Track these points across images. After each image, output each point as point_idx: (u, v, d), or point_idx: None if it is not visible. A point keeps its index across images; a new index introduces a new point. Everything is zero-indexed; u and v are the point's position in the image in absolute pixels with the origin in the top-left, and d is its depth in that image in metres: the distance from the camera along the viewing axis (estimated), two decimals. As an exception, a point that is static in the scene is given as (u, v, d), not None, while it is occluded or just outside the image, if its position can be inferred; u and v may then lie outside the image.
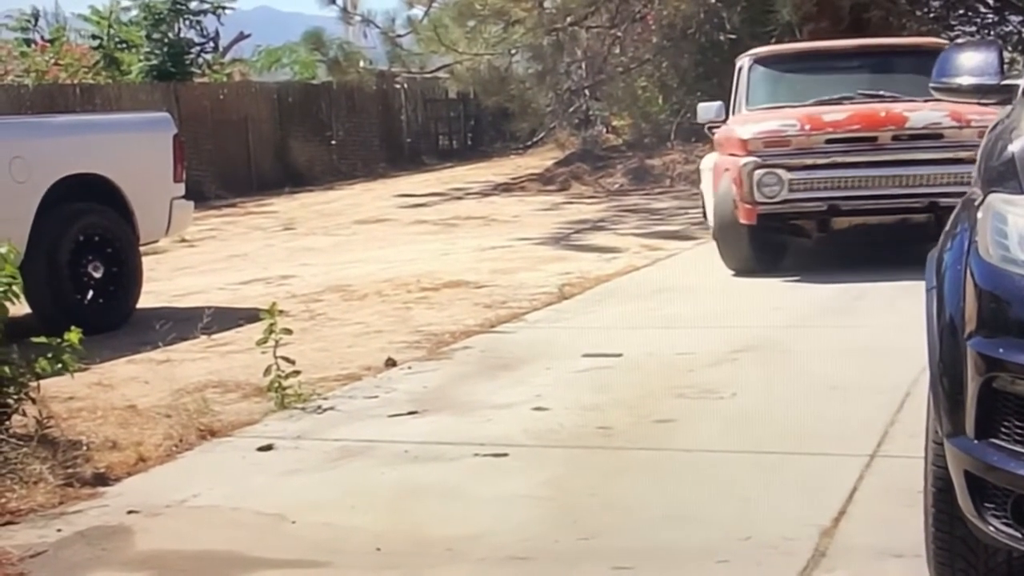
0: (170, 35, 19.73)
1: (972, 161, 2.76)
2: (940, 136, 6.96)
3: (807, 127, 7.22)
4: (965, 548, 2.42)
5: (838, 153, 7.09)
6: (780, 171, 7.02)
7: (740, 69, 8.35)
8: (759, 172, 7.02)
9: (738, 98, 8.12)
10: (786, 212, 7.12)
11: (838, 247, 7.81)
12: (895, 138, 7.10)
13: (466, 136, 24.38)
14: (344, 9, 16.64)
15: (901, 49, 8.48)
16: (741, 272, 7.42)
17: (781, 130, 7.23)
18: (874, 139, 7.12)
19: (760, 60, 8.24)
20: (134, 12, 19.90)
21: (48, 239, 6.54)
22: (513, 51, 16.05)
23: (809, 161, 7.07)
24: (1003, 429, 2.20)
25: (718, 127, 8.27)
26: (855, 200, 7.08)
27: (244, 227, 13.39)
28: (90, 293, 6.83)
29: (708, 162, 8.71)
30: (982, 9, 16.36)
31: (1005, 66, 3.03)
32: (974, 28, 16.18)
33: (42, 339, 4.30)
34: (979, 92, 3.06)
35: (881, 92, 7.73)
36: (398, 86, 21.69)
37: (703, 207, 9.00)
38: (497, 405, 4.66)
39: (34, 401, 4.19)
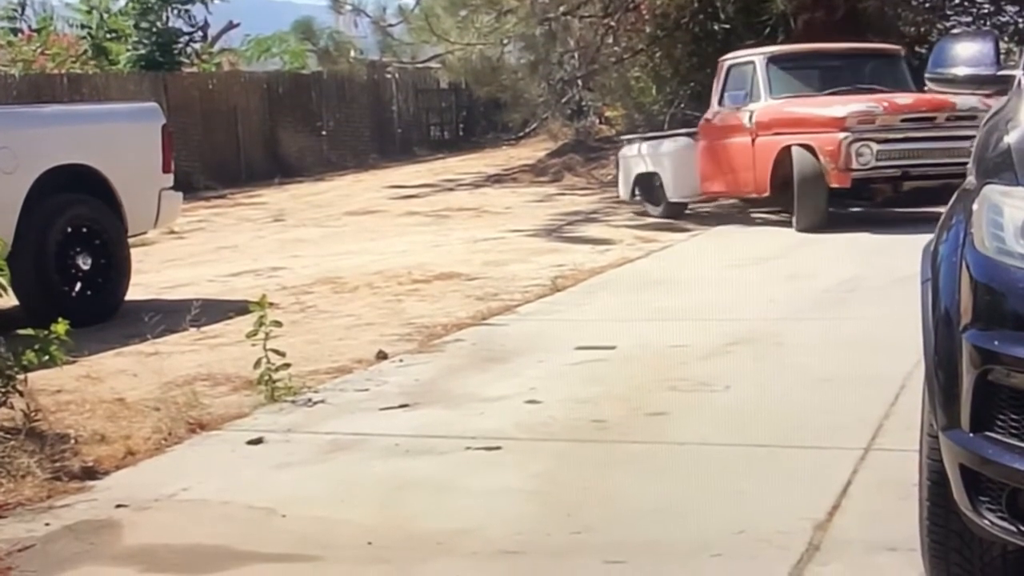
0: (158, 24, 19.62)
1: None
2: (976, 118, 8.13)
3: (888, 108, 9.02)
4: (960, 542, 2.40)
5: (910, 130, 8.89)
6: (872, 144, 8.76)
7: (752, 65, 10.06)
8: (856, 144, 8.73)
9: (754, 89, 9.89)
10: (873, 177, 8.92)
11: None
12: (948, 119, 8.83)
13: (458, 127, 24.30)
14: (335, -2, 16.57)
15: (869, 52, 10.78)
16: (812, 229, 9.01)
17: (869, 111, 8.97)
18: (934, 119, 8.90)
19: (773, 59, 10.07)
20: (122, 1, 19.80)
21: (35, 230, 6.48)
22: (505, 41, 15.99)
23: (891, 136, 8.85)
24: (998, 422, 2.18)
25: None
26: (920, 167, 8.81)
27: (234, 218, 13.34)
28: (78, 285, 6.78)
29: (629, 150, 11.29)
30: (978, 0, 16.36)
31: (1001, 56, 3.01)
32: (970, 18, 16.17)
33: (29, 331, 4.27)
34: (975, 83, 3.04)
35: (874, 85, 9.78)
36: (389, 76, 21.62)
37: (621, 186, 11.41)
38: (489, 398, 4.64)
39: (21, 394, 4.15)
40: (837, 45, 10.67)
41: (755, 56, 10.13)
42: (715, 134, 10.32)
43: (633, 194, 11.13)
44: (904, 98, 9.29)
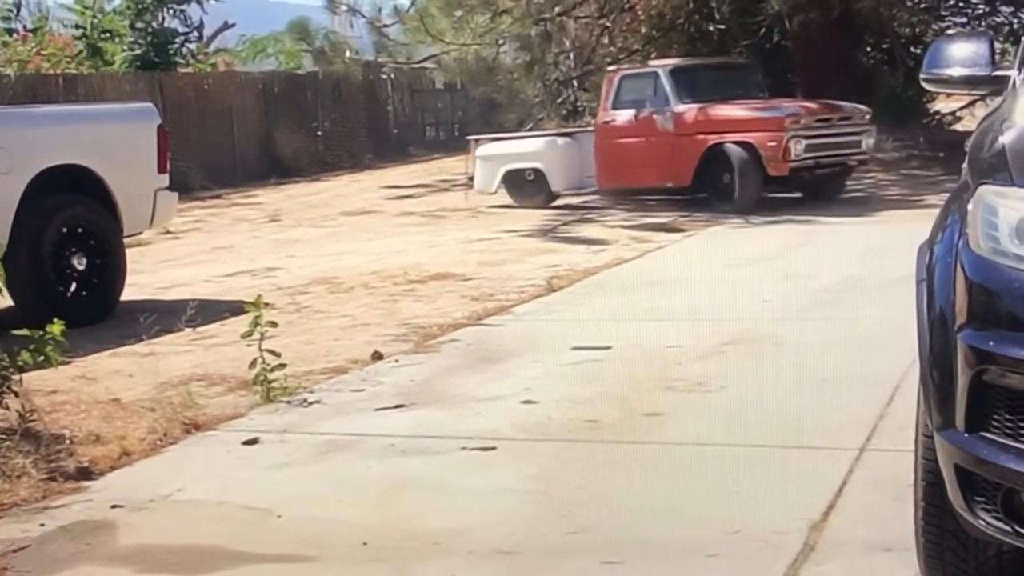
0: (154, 24, 19.60)
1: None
2: (852, 118, 11.55)
3: (806, 111, 11.32)
4: (955, 542, 2.41)
5: (820, 128, 11.19)
6: (802, 139, 10.87)
7: (655, 76, 11.88)
8: (793, 140, 10.81)
9: (660, 96, 11.69)
10: (801, 166, 10.95)
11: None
12: (839, 119, 11.40)
13: (453, 127, 24.28)
14: (330, -1, 16.54)
15: (734, 65, 13.41)
16: (749, 211, 10.73)
17: (797, 114, 11.19)
18: (831, 119, 11.36)
19: (674, 71, 11.91)
20: (117, 1, 19.76)
21: (31, 231, 6.47)
22: (501, 41, 15.99)
23: (809, 133, 11.01)
24: (993, 422, 2.18)
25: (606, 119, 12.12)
26: (826, 157, 11.14)
27: (229, 219, 13.32)
28: (73, 285, 6.77)
29: (488, 149, 12.91)
30: (973, 0, 16.38)
31: (996, 57, 3.01)
32: (965, 19, 16.19)
33: (24, 332, 4.26)
34: (970, 83, 3.04)
35: (740, 92, 11.97)
36: (385, 76, 21.60)
37: (482, 180, 12.82)
38: (485, 398, 4.64)
39: (16, 394, 4.15)
40: (714, 59, 13.45)
41: (657, 68, 12.06)
42: (621, 135, 11.91)
43: (496, 188, 12.69)
44: (811, 104, 11.72)
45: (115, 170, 7.05)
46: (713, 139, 11.14)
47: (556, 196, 12.49)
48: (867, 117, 11.64)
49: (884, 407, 4.10)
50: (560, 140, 12.66)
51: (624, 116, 11.96)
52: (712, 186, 11.21)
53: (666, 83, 11.68)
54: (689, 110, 11.48)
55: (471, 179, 13.11)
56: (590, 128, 12.79)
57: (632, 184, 12.00)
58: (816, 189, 11.41)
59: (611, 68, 12.97)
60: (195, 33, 20.66)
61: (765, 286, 6.87)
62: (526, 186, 12.53)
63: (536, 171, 12.37)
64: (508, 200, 12.60)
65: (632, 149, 11.74)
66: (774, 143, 10.79)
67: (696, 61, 12.95)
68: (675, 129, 11.49)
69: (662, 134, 11.57)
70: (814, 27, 14.41)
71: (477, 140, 13.40)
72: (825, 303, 6.28)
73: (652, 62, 12.75)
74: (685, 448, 3.91)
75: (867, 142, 11.55)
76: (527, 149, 12.61)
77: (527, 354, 5.40)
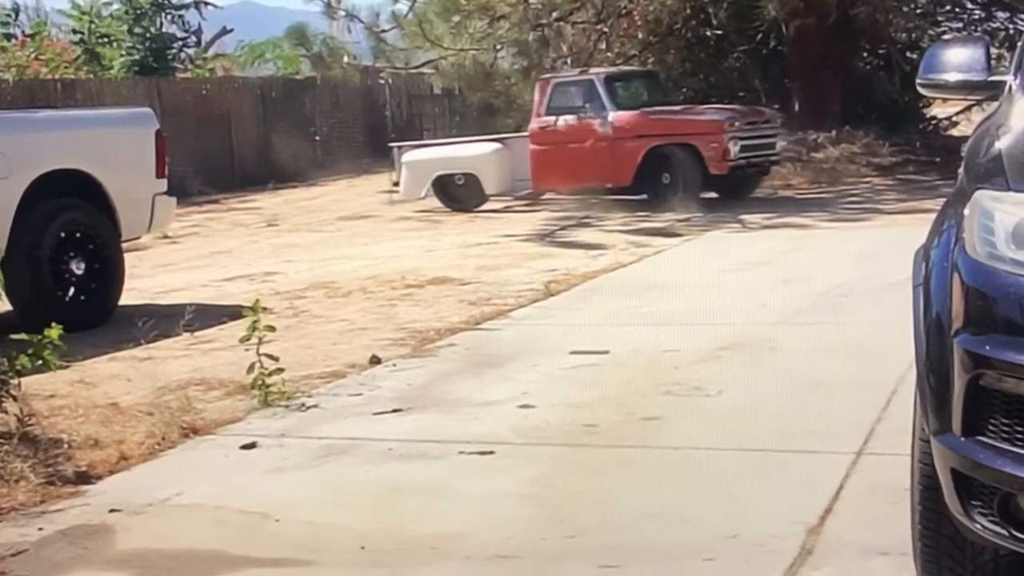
0: (152, 30, 19.61)
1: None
2: (770, 122, 12.73)
3: (738, 115, 12.45)
4: (952, 546, 2.41)
5: (748, 131, 12.14)
6: (739, 141, 11.84)
7: (590, 83, 12.54)
8: (732, 142, 11.72)
9: (592, 102, 12.36)
10: (737, 165, 11.89)
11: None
12: (762, 123, 12.50)
13: (451, 132, 24.29)
14: (328, 4, 16.56)
15: (650, 73, 14.41)
16: (691, 208, 11.33)
17: (733, 117, 12.23)
18: (755, 123, 12.41)
19: (607, 79, 12.68)
20: (115, 7, 19.77)
21: (29, 235, 6.47)
22: (498, 46, 16.01)
23: (742, 135, 11.96)
24: (989, 426, 2.19)
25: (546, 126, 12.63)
26: (753, 158, 12.11)
27: (227, 223, 13.33)
28: (71, 290, 6.77)
29: (416, 155, 13.51)
30: (969, 5, 16.40)
31: (992, 62, 3.02)
32: (961, 24, 16.22)
33: (23, 336, 4.26)
34: (966, 88, 3.05)
35: (662, 99, 13.14)
36: (382, 82, 21.60)
37: (411, 186, 13.28)
38: (483, 403, 4.64)
39: (15, 399, 4.15)
40: (637, 69, 14.66)
41: (592, 76, 12.76)
42: (558, 139, 12.43)
43: (425, 194, 13.14)
44: (741, 108, 13.05)
45: (113, 175, 7.05)
46: (654, 142, 11.93)
47: (486, 200, 12.98)
48: (779, 121, 12.83)
49: (881, 411, 4.10)
50: (492, 146, 13.13)
51: (560, 121, 12.51)
52: (651, 186, 11.98)
53: (601, 90, 12.36)
54: (628, 115, 12.23)
55: (395, 185, 13.59)
56: (521, 134, 13.17)
57: (571, 185, 12.68)
58: (732, 189, 12.22)
59: (543, 76, 13.51)
60: (193, 38, 20.69)
61: (762, 291, 6.88)
62: (456, 191, 13.03)
63: (468, 176, 12.90)
64: (437, 204, 13.15)
65: (570, 153, 12.28)
66: (715, 144, 11.67)
67: (624, 70, 14.16)
68: (614, 133, 12.16)
69: (601, 138, 12.19)
70: (811, 33, 14.44)
71: (400, 147, 13.86)
72: (822, 308, 6.29)
73: (591, 71, 13.43)
74: (682, 452, 3.92)
75: (780, 144, 12.69)
76: (460, 155, 13.13)
77: (525, 358, 5.41)
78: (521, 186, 12.87)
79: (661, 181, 11.92)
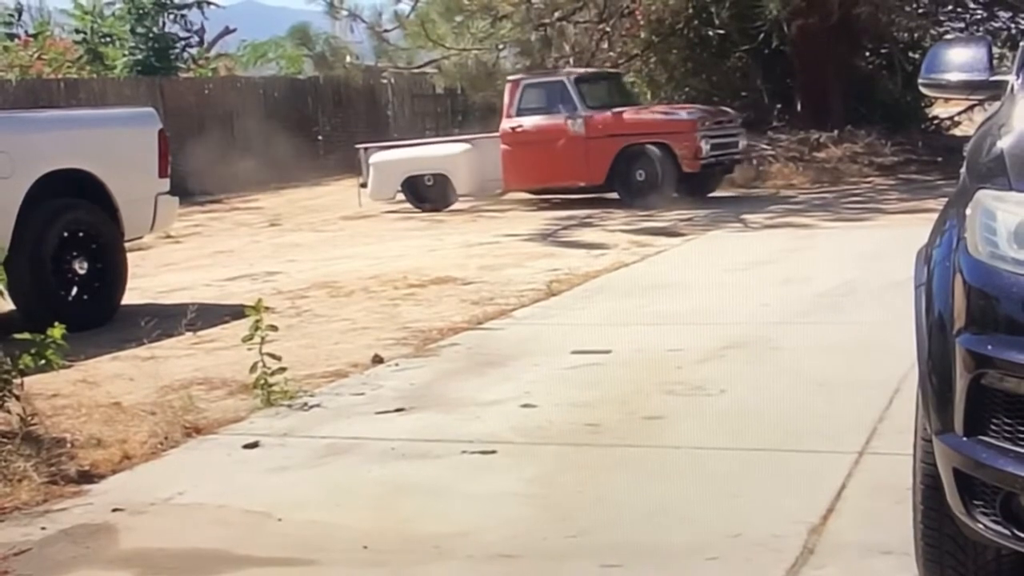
0: (155, 30, 19.64)
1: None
2: (733, 122, 13.10)
3: (706, 115, 12.72)
4: (954, 545, 2.41)
5: (715, 130, 12.56)
6: (709, 140, 12.29)
7: (561, 84, 12.84)
8: (703, 140, 12.18)
9: (565, 103, 12.64)
10: (708, 162, 12.35)
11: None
12: (727, 122, 12.86)
13: (454, 132, 24.27)
14: (331, 4, 16.58)
15: (615, 74, 14.78)
16: (665, 205, 11.75)
17: (704, 117, 12.57)
18: (722, 122, 12.79)
19: (577, 80, 12.93)
20: (118, 7, 19.79)
21: (32, 235, 6.48)
22: (500, 46, 16.03)
23: (711, 134, 12.40)
24: (992, 426, 2.19)
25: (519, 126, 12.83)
26: (719, 156, 12.51)
27: (230, 223, 13.34)
28: (74, 289, 6.78)
29: (383, 156, 13.49)
30: (971, 5, 16.40)
31: (994, 62, 3.02)
32: (963, 24, 16.22)
33: (26, 336, 4.27)
34: (968, 88, 3.05)
35: (625, 99, 13.60)
36: (385, 81, 21.61)
37: (379, 187, 13.39)
38: (485, 402, 4.65)
39: (18, 398, 4.16)
40: (601, 70, 14.76)
41: (561, 77, 13.05)
42: (529, 139, 12.63)
43: (395, 194, 13.31)
44: (708, 108, 13.30)
45: (116, 174, 7.06)
46: (627, 141, 12.25)
47: (456, 200, 13.16)
48: (740, 120, 13.22)
49: (883, 411, 4.10)
50: (462, 146, 13.30)
51: (531, 121, 12.75)
52: (624, 184, 12.32)
53: (572, 91, 12.66)
54: (601, 115, 12.54)
55: (363, 186, 13.60)
56: (491, 134, 13.26)
57: (543, 184, 12.90)
58: (698, 187, 12.52)
59: (511, 77, 13.64)
60: (196, 38, 20.71)
61: (764, 290, 6.88)
62: (426, 191, 13.21)
63: (437, 176, 13.04)
64: (406, 205, 13.29)
65: (542, 152, 12.52)
66: (688, 143, 12.08)
67: (591, 71, 14.26)
68: (587, 132, 12.45)
69: (574, 137, 12.46)
70: (813, 32, 14.44)
71: (367, 149, 13.86)
72: (824, 307, 6.28)
73: (561, 72, 13.75)
74: (685, 452, 3.92)
75: (742, 143, 12.99)
76: (429, 155, 13.32)
77: (527, 358, 5.41)
78: (491, 186, 13.00)
79: (634, 179, 12.26)
